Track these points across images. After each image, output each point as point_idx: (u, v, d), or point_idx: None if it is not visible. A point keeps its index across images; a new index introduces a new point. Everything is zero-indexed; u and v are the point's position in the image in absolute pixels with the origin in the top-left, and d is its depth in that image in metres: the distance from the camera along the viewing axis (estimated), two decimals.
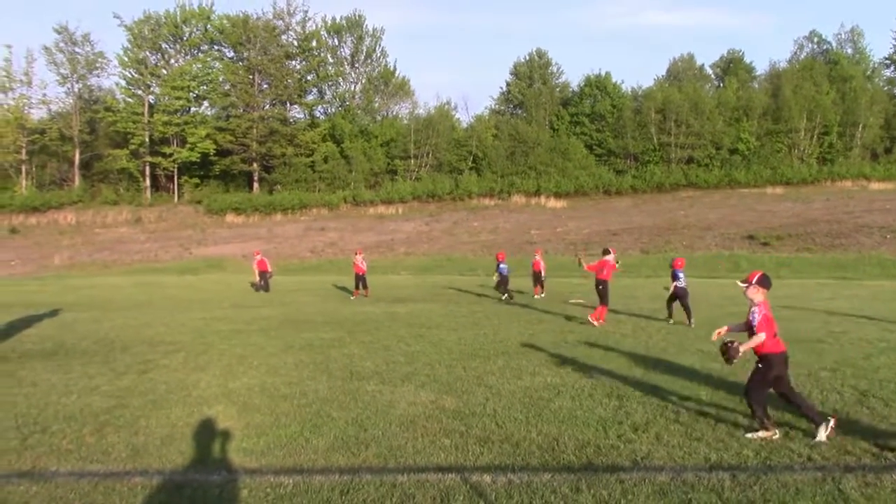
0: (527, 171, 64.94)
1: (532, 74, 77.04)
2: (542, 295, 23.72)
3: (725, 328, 7.16)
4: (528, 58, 78.40)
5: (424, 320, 16.00)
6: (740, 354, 6.77)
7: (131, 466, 5.75)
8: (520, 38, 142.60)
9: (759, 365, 6.74)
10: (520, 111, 76.60)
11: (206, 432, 6.71)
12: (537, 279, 24.42)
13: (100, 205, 64.69)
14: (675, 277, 16.60)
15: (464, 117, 78.44)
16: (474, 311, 18.15)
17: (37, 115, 69.55)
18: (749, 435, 6.57)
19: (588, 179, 62.89)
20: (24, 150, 66.82)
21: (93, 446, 6.26)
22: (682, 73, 79.21)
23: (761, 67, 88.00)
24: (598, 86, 71.25)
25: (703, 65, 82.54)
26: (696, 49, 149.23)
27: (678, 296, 16.33)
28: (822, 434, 6.44)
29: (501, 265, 23.40)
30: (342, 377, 9.25)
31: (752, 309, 6.81)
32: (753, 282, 6.96)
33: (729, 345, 6.85)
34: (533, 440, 6.43)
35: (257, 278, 27.61)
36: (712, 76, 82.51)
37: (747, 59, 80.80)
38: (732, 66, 79.71)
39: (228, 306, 20.64)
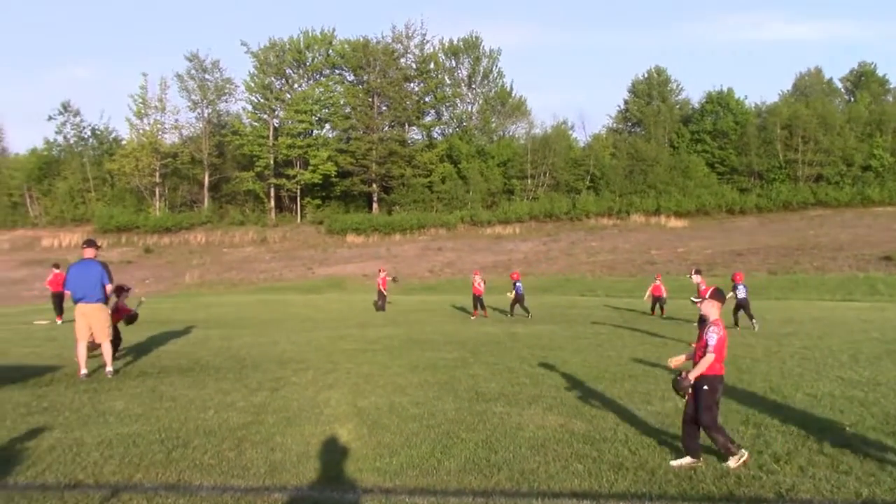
0: (646, 189, 63.88)
1: (651, 92, 75.86)
2: (662, 317, 23.32)
3: (683, 357, 6.93)
4: (646, 75, 77.32)
5: (546, 342, 15.89)
6: (690, 382, 6.42)
7: (270, 482, 5.89)
8: (638, 55, 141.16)
9: (704, 388, 6.39)
10: (638, 129, 75.54)
11: (339, 450, 6.82)
12: (658, 302, 24.05)
13: (227, 225, 67.24)
14: (735, 290, 19.12)
15: (581, 136, 77.81)
16: (598, 333, 17.90)
17: (169, 139, 73.12)
18: (728, 464, 6.26)
19: (710, 198, 61.36)
20: (157, 174, 70.25)
21: (232, 461, 6.45)
22: (809, 87, 76.49)
23: None
24: (720, 102, 69.50)
25: (831, 78, 79.44)
26: (824, 62, 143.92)
27: (741, 306, 19.21)
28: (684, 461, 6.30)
29: (518, 284, 24.72)
30: (468, 398, 9.26)
31: (710, 327, 6.46)
32: (707, 296, 6.66)
33: (678, 378, 6.51)
34: (669, 468, 6.26)
35: (378, 297, 28.04)
36: (842, 90, 79.26)
37: (880, 72, 77.24)
38: (864, 79, 76.46)
39: (352, 325, 21.02)
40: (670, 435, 7.28)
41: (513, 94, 77.12)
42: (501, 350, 14.38)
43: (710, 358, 6.34)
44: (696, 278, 19.44)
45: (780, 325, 19.62)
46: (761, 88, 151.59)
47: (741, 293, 19.19)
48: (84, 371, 11.05)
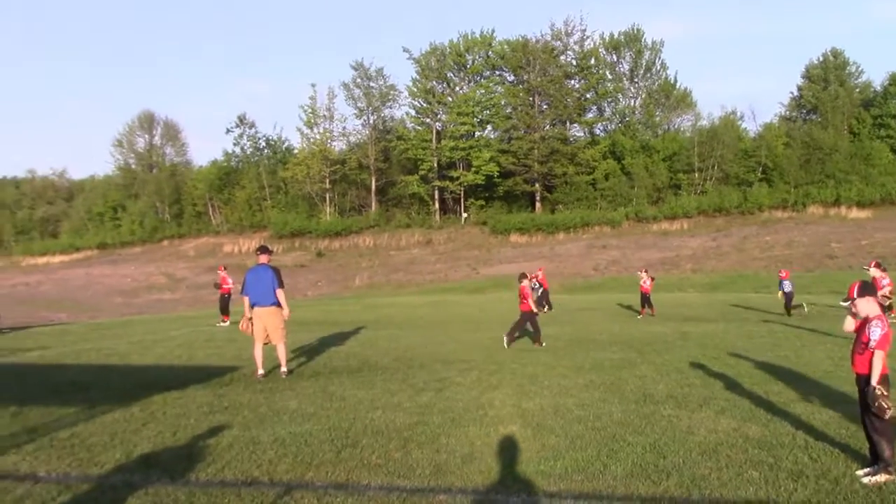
0: (824, 179, 60.32)
1: (827, 76, 71.53)
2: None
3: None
4: (821, 59, 72.94)
5: (718, 341, 15.27)
6: (880, 390, 5.77)
7: (435, 484, 5.92)
8: (811, 39, 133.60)
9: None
10: (814, 116, 71.43)
11: (504, 452, 6.78)
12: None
13: (394, 228, 68.91)
14: (781, 286, 22.86)
15: (751, 126, 74.40)
16: (773, 332, 17.05)
17: (338, 146, 75.81)
18: (866, 479, 5.69)
19: None
20: (327, 180, 72.93)
21: (399, 462, 6.54)
22: None
23: None
24: None
25: None
26: None
27: (789, 298, 22.40)
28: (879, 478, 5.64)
29: (535, 284, 25.60)
30: (635, 400, 9.01)
31: (872, 322, 5.83)
32: (857, 294, 6.03)
33: (867, 390, 5.87)
34: (855, 477, 5.83)
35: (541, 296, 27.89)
36: None
37: None
38: None
39: None
40: (855, 441, 6.79)
41: (677, 86, 74.81)
42: (670, 350, 13.94)
43: (880, 355, 5.81)
44: (874, 272, 18.10)
45: None
46: None
47: (787, 287, 22.64)
48: (261, 371, 11.59)
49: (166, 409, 8.94)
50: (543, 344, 15.20)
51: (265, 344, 11.78)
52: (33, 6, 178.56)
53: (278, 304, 11.72)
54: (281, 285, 11.74)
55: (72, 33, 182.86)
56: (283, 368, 11.77)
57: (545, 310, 25.97)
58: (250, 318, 11.75)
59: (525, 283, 16.46)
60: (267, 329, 11.68)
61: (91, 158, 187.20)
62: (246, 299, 11.74)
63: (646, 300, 24.02)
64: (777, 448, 6.70)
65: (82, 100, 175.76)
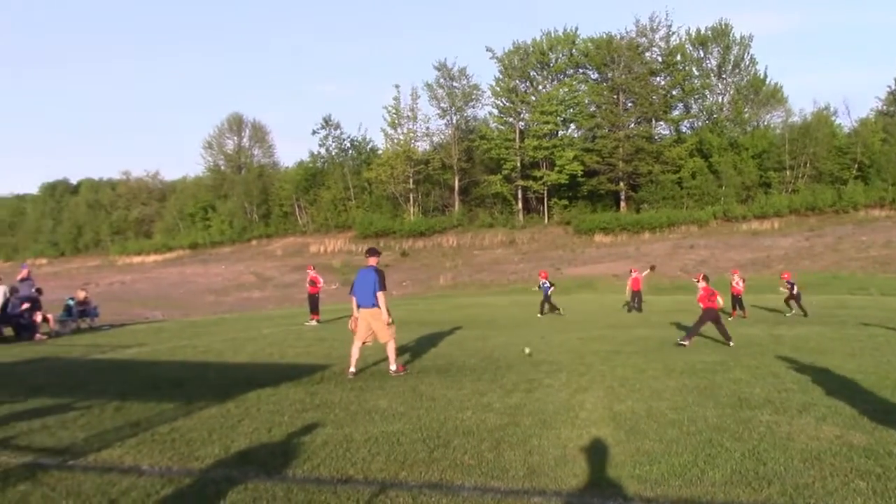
0: None
1: None
2: None
3: None
4: None
5: (814, 344, 14.81)
6: None
7: (529, 485, 5.87)
8: None
9: None
10: None
11: (597, 455, 6.70)
12: None
13: (477, 228, 68.98)
14: (791, 286, 24.12)
15: (846, 122, 71.90)
16: (873, 335, 16.45)
17: (421, 147, 76.29)
18: None
19: None
20: (411, 180, 73.48)
21: (492, 462, 6.51)
22: None
23: None
24: None
25: None
26: None
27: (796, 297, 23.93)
28: None
29: (544, 283, 26.83)
30: (730, 404, 8.79)
31: None
32: None
33: None
34: None
35: (631, 297, 27.56)
36: None
37: None
38: None
39: (604, 326, 20.78)
40: None
41: (767, 82, 72.85)
42: (764, 353, 13.58)
43: None
44: None
45: None
46: None
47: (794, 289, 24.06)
48: (352, 370, 11.76)
49: (261, 406, 9.12)
50: (731, 344, 14.85)
51: (364, 343, 12.02)
52: (128, 14, 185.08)
53: (378, 306, 11.91)
54: (382, 288, 11.90)
55: (164, 37, 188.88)
56: (392, 367, 11.93)
57: (558, 312, 26.31)
58: (356, 318, 12.05)
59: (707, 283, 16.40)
60: (373, 329, 11.96)
61: (182, 160, 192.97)
62: (354, 299, 12.06)
63: (737, 302, 23.52)
64: (885, 457, 6.44)
65: (174, 103, 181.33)
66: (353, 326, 12.15)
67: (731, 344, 14.75)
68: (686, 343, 14.97)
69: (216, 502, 5.44)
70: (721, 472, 6.11)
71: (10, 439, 7.58)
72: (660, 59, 71.00)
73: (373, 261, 12.23)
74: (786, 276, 25.37)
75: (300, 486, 5.86)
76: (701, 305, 15.92)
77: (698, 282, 16.56)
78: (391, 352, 12.04)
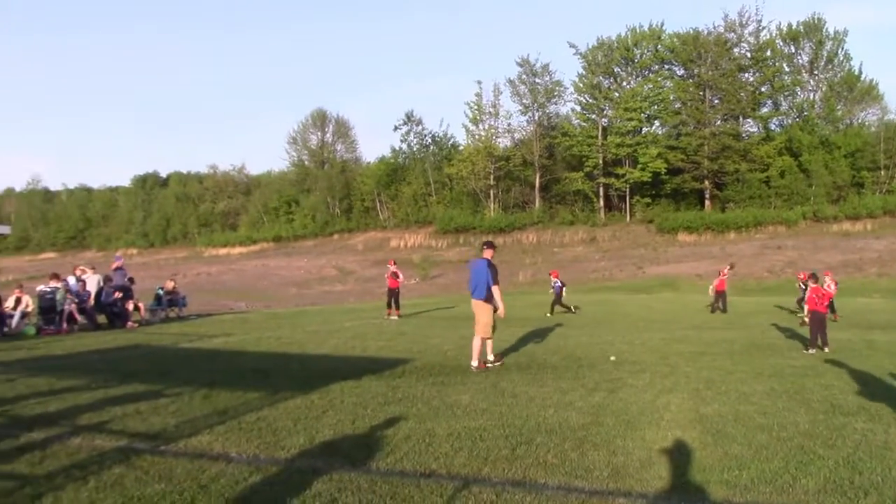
0: None
1: None
2: None
3: None
4: None
5: None
6: None
7: (613, 486, 5.79)
8: None
9: None
10: None
11: (683, 458, 6.56)
12: None
13: (558, 225, 68.55)
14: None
15: None
16: None
17: (502, 143, 76.09)
18: None
19: None
20: (492, 176, 73.37)
21: (575, 462, 6.44)
22: None
23: None
24: None
25: None
26: None
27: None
28: None
29: (556, 282, 26.73)
30: (822, 410, 8.51)
31: None
32: None
33: None
34: None
35: (716, 298, 27.00)
36: None
37: None
38: None
39: (687, 327, 20.40)
40: None
41: (862, 78, 70.28)
42: (857, 358, 13.09)
43: None
44: None
45: None
46: None
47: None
48: (475, 363, 11.93)
49: (344, 398, 9.22)
50: (810, 350, 14.41)
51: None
52: (217, 11, 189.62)
53: (489, 299, 12.04)
54: (495, 281, 12.08)
55: (251, 34, 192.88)
56: (474, 362, 11.98)
57: (572, 310, 26.37)
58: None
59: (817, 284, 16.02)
60: (476, 319, 12.18)
61: (267, 155, 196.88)
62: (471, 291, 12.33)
63: (828, 305, 22.75)
64: None
65: (260, 99, 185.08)
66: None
67: (827, 350, 14.21)
68: (812, 351, 14.32)
69: (302, 492, 5.51)
70: (814, 480, 5.92)
71: (105, 423, 7.85)
72: (749, 54, 69.16)
73: (488, 253, 12.44)
74: (802, 276, 24.96)
75: (384, 478, 5.91)
76: (807, 307, 15.37)
77: (804, 281, 16.02)
78: (476, 347, 12.07)
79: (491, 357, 12.17)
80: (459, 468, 6.25)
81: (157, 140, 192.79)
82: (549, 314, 25.55)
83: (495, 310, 12.13)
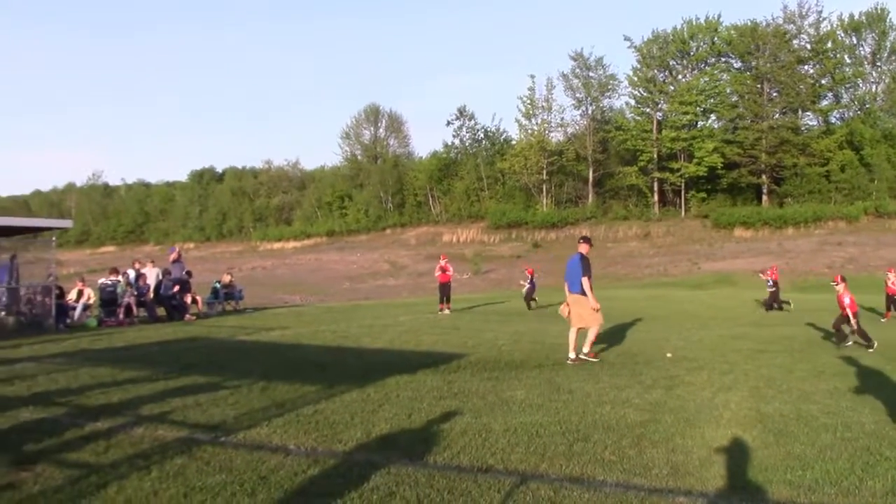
0: None
1: None
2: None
3: None
4: None
5: None
6: None
7: (673, 485, 5.71)
8: None
9: None
10: None
11: (744, 457, 6.45)
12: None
13: (611, 220, 68.00)
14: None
15: None
16: None
17: (555, 137, 75.69)
18: None
19: None
20: (544, 171, 73.05)
21: (633, 459, 6.37)
22: None
23: None
24: None
25: None
26: None
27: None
28: None
29: (532, 278, 27.25)
30: (890, 412, 8.27)
31: None
32: None
33: None
34: None
35: (770, 295, 26.56)
36: None
37: None
38: None
39: (745, 323, 20.10)
40: None
41: None
42: None
43: None
44: None
45: None
46: None
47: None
48: (571, 355, 12.06)
49: (399, 392, 9.26)
50: (871, 350, 14.14)
51: (579, 330, 12.36)
52: (274, 9, 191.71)
53: (581, 292, 12.20)
54: (585, 274, 12.18)
55: (303, 30, 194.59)
56: (571, 355, 12.08)
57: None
58: (567, 304, 12.56)
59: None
60: (578, 314, 12.30)
61: (321, 150, 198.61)
62: (566, 285, 12.51)
63: (892, 302, 22.24)
64: None
65: (314, 94, 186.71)
66: (563, 312, 12.67)
67: (872, 349, 13.82)
68: (872, 350, 13.94)
69: (361, 485, 5.54)
70: (881, 482, 5.77)
71: (166, 414, 7.99)
72: (808, 46, 67.79)
73: (583, 248, 12.59)
74: (770, 272, 26.29)
75: (441, 472, 5.91)
76: (851, 311, 15.01)
77: (837, 284, 15.72)
78: (589, 338, 12.31)
79: (586, 349, 12.23)
80: (516, 464, 6.22)
81: (213, 135, 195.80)
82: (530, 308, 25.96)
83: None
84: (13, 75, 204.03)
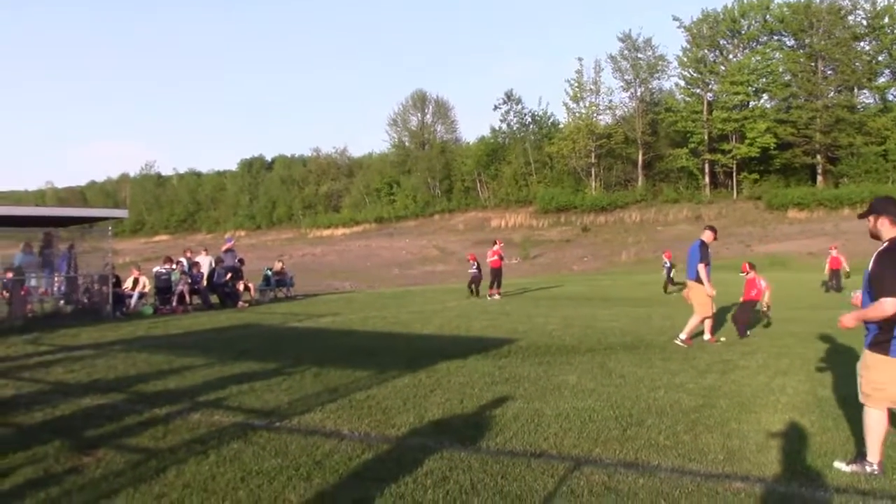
0: None
1: None
2: None
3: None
4: None
5: None
6: None
7: (729, 470, 5.64)
8: None
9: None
10: None
11: (803, 443, 6.35)
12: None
13: (661, 203, 67.26)
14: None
15: None
16: None
17: (604, 120, 75.04)
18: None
19: None
20: (593, 154, 72.48)
21: (688, 444, 6.31)
22: None
23: None
24: None
25: None
26: None
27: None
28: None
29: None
30: None
31: None
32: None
33: None
34: None
35: (830, 276, 26.08)
36: None
37: None
38: None
39: (801, 307, 19.79)
40: None
41: None
42: None
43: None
44: None
45: None
46: None
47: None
48: (706, 337, 12.58)
49: (451, 378, 9.28)
50: None
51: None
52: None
53: (695, 279, 12.38)
54: (701, 260, 12.32)
55: (350, 17, 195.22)
56: (683, 336, 12.22)
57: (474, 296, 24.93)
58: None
59: None
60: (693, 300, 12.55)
61: (369, 137, 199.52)
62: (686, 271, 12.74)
63: None
64: None
65: (360, 81, 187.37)
66: (686, 295, 13.12)
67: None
68: None
69: (414, 469, 5.57)
70: None
71: (222, 400, 8.12)
72: (864, 22, 66.12)
73: (706, 235, 12.83)
74: (667, 254, 27.33)
75: (494, 457, 5.91)
76: None
77: (746, 273, 15.54)
78: (691, 323, 12.40)
79: (683, 336, 12.20)
80: (570, 449, 6.20)
81: (263, 124, 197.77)
82: (475, 296, 24.97)
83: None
84: (76, 73, 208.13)
